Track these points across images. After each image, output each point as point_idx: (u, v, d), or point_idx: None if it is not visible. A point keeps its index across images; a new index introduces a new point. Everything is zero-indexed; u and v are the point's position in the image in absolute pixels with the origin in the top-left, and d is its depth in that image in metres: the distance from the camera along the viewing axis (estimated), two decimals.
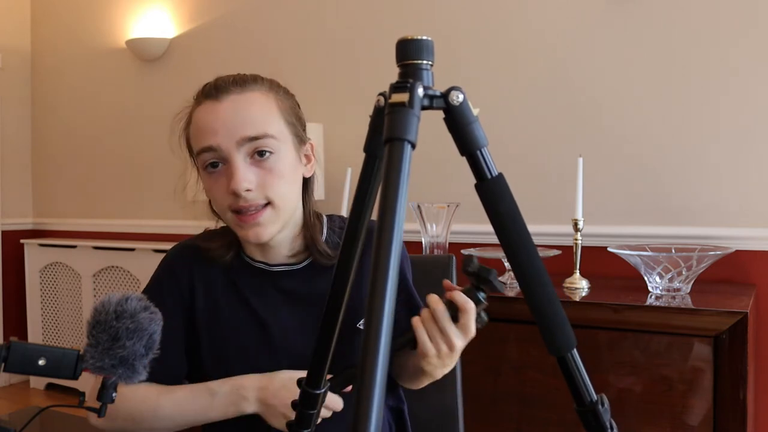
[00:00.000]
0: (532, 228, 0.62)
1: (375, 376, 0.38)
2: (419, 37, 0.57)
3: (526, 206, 0.75)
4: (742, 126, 2.03)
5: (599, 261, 2.15)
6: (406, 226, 2.26)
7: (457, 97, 0.58)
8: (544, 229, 2.27)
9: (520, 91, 2.38)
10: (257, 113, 1.00)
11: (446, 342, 0.86)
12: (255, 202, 0.99)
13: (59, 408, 1.35)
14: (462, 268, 0.78)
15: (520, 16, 2.38)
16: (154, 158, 3.35)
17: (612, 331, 1.69)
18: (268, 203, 1.00)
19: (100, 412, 0.73)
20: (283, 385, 0.98)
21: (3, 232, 3.72)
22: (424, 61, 0.57)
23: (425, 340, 0.86)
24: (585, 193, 1.95)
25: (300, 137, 1.06)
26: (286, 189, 1.02)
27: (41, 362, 0.70)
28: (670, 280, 1.77)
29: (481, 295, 0.83)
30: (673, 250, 1.81)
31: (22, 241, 3.68)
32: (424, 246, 2.13)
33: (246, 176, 0.98)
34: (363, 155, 0.62)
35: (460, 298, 0.84)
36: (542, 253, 1.95)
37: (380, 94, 0.58)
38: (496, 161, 0.59)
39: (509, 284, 1.94)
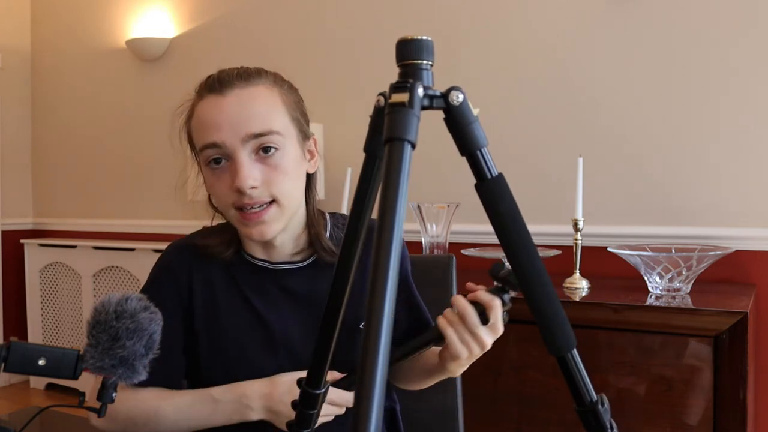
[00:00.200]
0: (532, 228, 0.62)
1: (375, 376, 0.38)
2: (419, 37, 0.57)
3: (526, 206, 0.75)
4: (742, 126, 2.03)
5: (599, 261, 2.15)
6: (406, 226, 2.26)
7: (457, 97, 0.58)
8: (544, 229, 2.27)
9: (520, 91, 2.38)
10: (262, 109, 0.98)
11: (478, 342, 0.88)
12: (259, 200, 0.97)
13: (59, 408, 1.35)
14: (490, 272, 0.80)
15: (520, 16, 2.38)
16: (154, 158, 3.35)
17: (612, 331, 1.69)
18: (273, 201, 0.98)
19: (100, 412, 0.73)
20: (287, 390, 0.96)
21: (3, 232, 3.73)
22: (424, 61, 0.57)
23: (457, 343, 0.88)
24: (585, 193, 1.95)
25: (304, 132, 1.04)
26: (290, 186, 1.00)
27: (41, 362, 0.70)
28: (670, 280, 1.77)
29: (507, 297, 0.85)
30: (673, 250, 1.81)
31: (22, 241, 3.68)
32: (424, 246, 2.13)
33: (251, 173, 0.96)
34: (363, 155, 0.61)
35: (486, 296, 0.86)
36: (542, 253, 1.95)
37: (380, 94, 0.58)
38: (496, 161, 0.59)
39: None
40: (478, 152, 0.59)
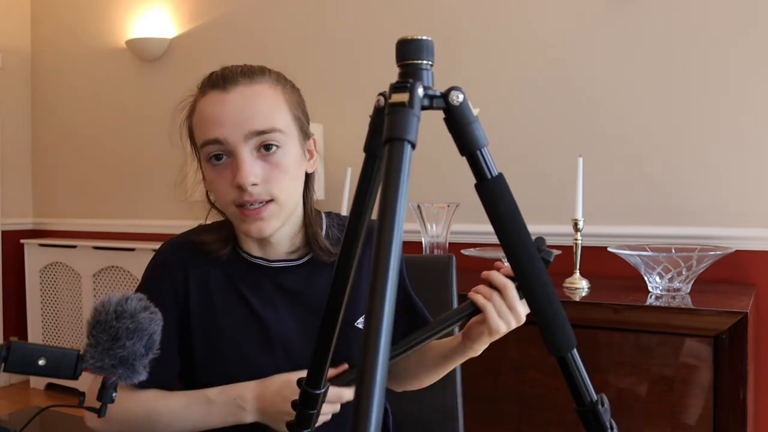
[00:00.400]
0: (532, 228, 0.62)
1: (375, 376, 0.38)
2: (419, 37, 0.57)
3: (526, 206, 0.75)
4: (742, 126, 2.03)
5: (599, 261, 2.15)
6: (406, 226, 2.26)
7: (457, 97, 0.58)
8: (544, 229, 2.27)
9: (520, 91, 2.38)
10: (265, 106, 0.98)
11: (516, 316, 0.90)
12: (259, 197, 0.97)
13: (59, 408, 1.35)
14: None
15: (520, 16, 2.38)
16: (154, 158, 3.35)
17: (612, 331, 1.69)
18: (272, 199, 0.98)
19: (100, 412, 0.73)
20: (277, 392, 0.96)
21: (3, 232, 3.73)
22: (424, 61, 0.57)
23: (495, 318, 0.89)
24: (585, 193, 1.95)
25: (305, 132, 1.05)
26: (290, 184, 1.00)
27: (41, 362, 0.70)
28: (670, 280, 1.77)
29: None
30: (673, 250, 1.81)
31: (22, 241, 3.68)
32: (424, 246, 2.13)
33: (252, 170, 0.96)
34: (363, 155, 0.61)
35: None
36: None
37: (380, 94, 0.58)
38: (496, 161, 0.59)
39: None
40: (478, 152, 0.59)
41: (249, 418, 0.97)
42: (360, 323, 1.05)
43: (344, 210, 2.43)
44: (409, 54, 0.57)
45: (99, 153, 3.61)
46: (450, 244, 2.17)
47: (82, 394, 0.76)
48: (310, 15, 2.86)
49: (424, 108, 0.55)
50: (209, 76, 1.02)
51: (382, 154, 0.50)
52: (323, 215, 1.13)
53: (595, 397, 0.63)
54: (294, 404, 0.77)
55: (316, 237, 1.06)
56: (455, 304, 1.32)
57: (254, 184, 0.96)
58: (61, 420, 1.22)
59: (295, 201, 1.04)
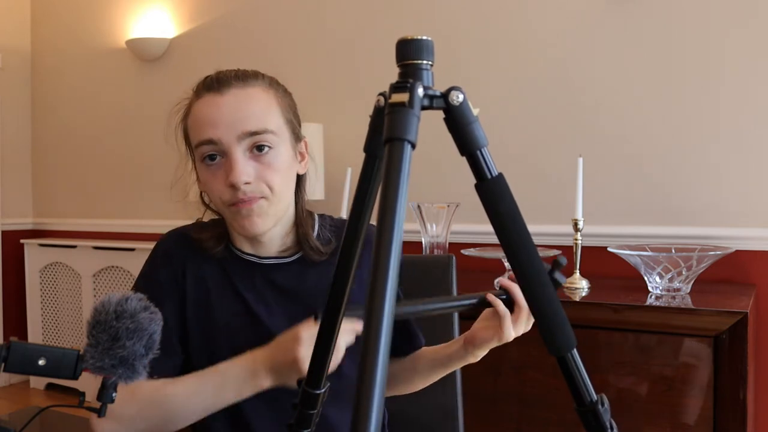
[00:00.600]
0: (532, 228, 0.62)
1: (375, 376, 0.38)
2: (419, 37, 0.57)
3: (526, 206, 0.75)
4: (742, 126, 2.03)
5: (599, 261, 2.15)
6: (406, 226, 2.26)
7: (457, 97, 0.58)
8: (544, 229, 2.27)
9: (520, 91, 2.38)
10: (258, 108, 1.02)
11: (527, 326, 0.98)
12: (252, 196, 1.00)
13: (59, 408, 1.35)
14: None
15: (520, 16, 2.38)
16: (154, 158, 3.34)
17: (612, 331, 1.69)
18: (263, 197, 1.01)
19: (100, 412, 0.73)
20: (277, 347, 0.94)
21: (3, 232, 3.73)
22: (424, 61, 0.57)
23: (510, 328, 0.97)
24: (585, 193, 1.95)
25: (297, 134, 1.08)
26: (281, 183, 1.03)
27: (41, 362, 0.70)
28: (670, 280, 1.77)
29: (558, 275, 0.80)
30: (673, 250, 1.81)
31: (22, 241, 3.68)
32: (424, 246, 2.13)
33: (245, 169, 0.99)
34: (363, 155, 0.61)
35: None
36: (542, 253, 1.95)
37: (380, 94, 0.58)
38: (496, 161, 0.59)
39: None
40: (478, 152, 0.59)
41: (266, 382, 0.95)
42: None
43: (344, 210, 2.43)
44: (409, 54, 0.57)
45: (99, 153, 3.61)
46: (450, 244, 2.17)
47: (82, 394, 0.76)
48: (310, 15, 2.86)
49: (424, 108, 0.55)
50: (204, 79, 1.05)
51: (382, 154, 0.50)
52: (316, 216, 1.15)
53: (595, 397, 0.63)
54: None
55: (307, 237, 1.09)
56: None
57: (247, 183, 0.99)
58: (61, 420, 1.22)
59: (287, 201, 1.06)
